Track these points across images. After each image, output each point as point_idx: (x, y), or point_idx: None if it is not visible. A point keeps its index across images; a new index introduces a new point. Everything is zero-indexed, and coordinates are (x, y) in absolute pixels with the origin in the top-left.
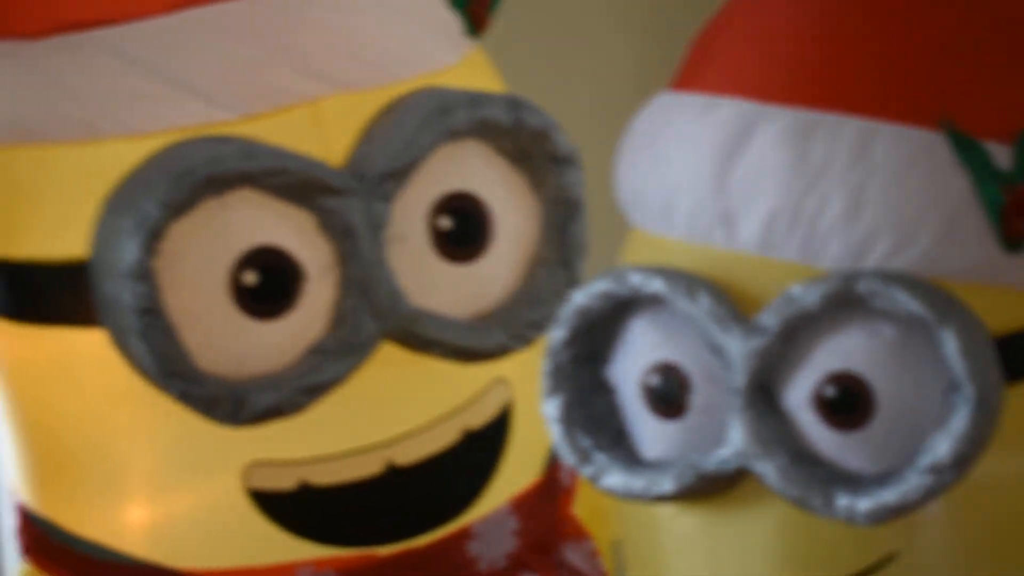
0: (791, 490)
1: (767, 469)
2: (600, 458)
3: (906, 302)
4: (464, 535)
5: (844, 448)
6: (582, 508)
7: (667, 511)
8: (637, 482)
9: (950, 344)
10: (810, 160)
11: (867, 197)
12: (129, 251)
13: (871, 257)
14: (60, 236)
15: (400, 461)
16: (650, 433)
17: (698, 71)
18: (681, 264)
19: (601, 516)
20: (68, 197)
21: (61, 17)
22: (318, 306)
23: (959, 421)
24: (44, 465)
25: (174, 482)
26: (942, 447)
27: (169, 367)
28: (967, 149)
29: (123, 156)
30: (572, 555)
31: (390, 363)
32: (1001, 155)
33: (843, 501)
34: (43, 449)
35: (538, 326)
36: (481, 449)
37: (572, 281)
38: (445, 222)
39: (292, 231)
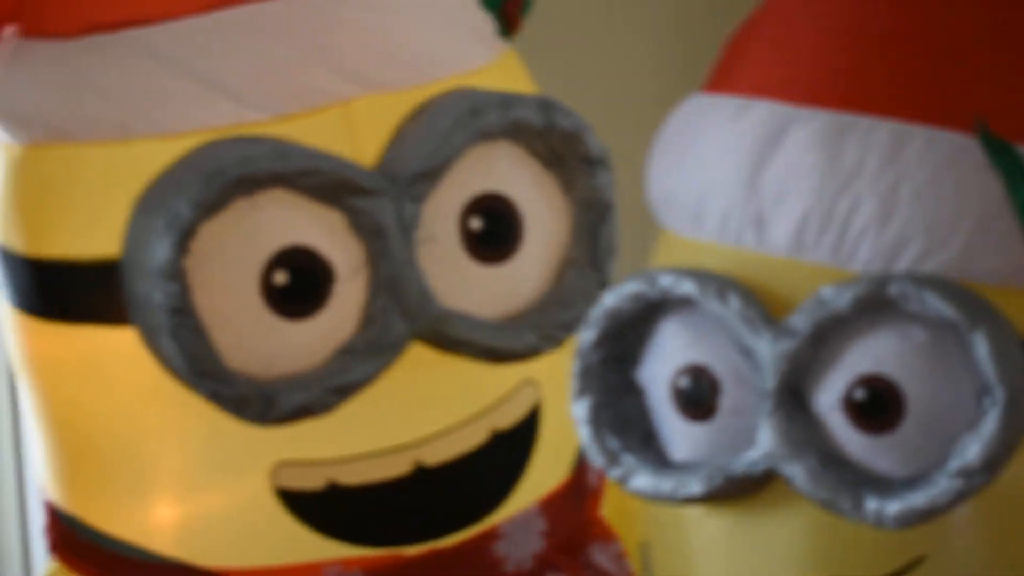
0: (820, 493)
1: (796, 471)
2: (628, 460)
3: (937, 305)
4: (491, 536)
5: (873, 451)
6: (609, 509)
7: (695, 513)
8: (665, 484)
9: (981, 347)
10: (842, 162)
11: (899, 200)
12: (160, 250)
13: (902, 260)
14: (91, 235)
15: (428, 461)
16: (679, 435)
17: (731, 73)
18: (712, 266)
19: (629, 518)
20: (100, 196)
21: (94, 17)
22: (348, 306)
23: (989, 424)
24: (73, 463)
25: (203, 481)
26: (972, 450)
27: (199, 366)
28: (1000, 152)
29: (155, 156)
30: (599, 556)
31: (420, 363)
32: None
33: (872, 504)
34: (72, 447)
35: (568, 327)
36: (509, 450)
37: (602, 283)
38: (476, 223)
39: (323, 231)
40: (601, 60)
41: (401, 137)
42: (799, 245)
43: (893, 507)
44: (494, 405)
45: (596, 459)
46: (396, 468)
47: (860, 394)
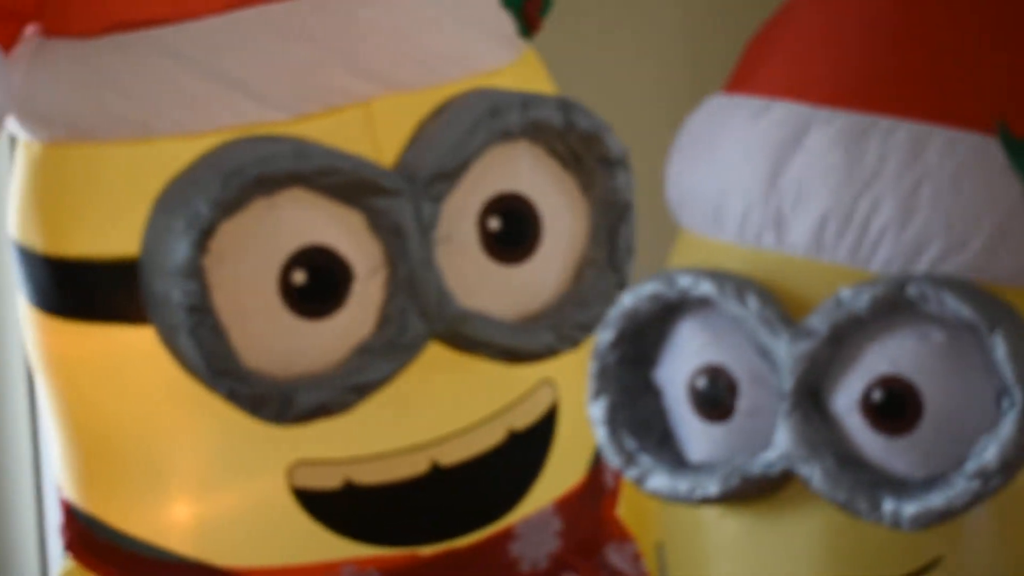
0: (837, 494)
1: (813, 472)
2: (645, 460)
3: (956, 307)
4: (507, 536)
5: (891, 452)
6: (626, 510)
7: (711, 514)
8: (682, 484)
9: (1000, 349)
10: (863, 163)
11: (919, 201)
12: (179, 249)
13: (922, 261)
14: (111, 234)
15: (445, 461)
16: (696, 435)
17: (751, 74)
18: (730, 266)
19: (645, 518)
20: (120, 196)
21: (115, 17)
22: (366, 306)
23: (1007, 426)
24: (90, 462)
25: (220, 480)
26: (989, 452)
27: (217, 365)
28: (1020, 153)
29: (175, 155)
30: (615, 557)
31: (437, 363)
32: None
33: (889, 505)
34: (89, 446)
35: (586, 328)
36: (526, 450)
37: (621, 283)
38: (494, 223)
39: (342, 231)
40: (622, 60)
41: (420, 137)
42: (818, 246)
43: (910, 508)
44: (511, 405)
45: (613, 459)
46: (413, 468)
47: (878, 395)
